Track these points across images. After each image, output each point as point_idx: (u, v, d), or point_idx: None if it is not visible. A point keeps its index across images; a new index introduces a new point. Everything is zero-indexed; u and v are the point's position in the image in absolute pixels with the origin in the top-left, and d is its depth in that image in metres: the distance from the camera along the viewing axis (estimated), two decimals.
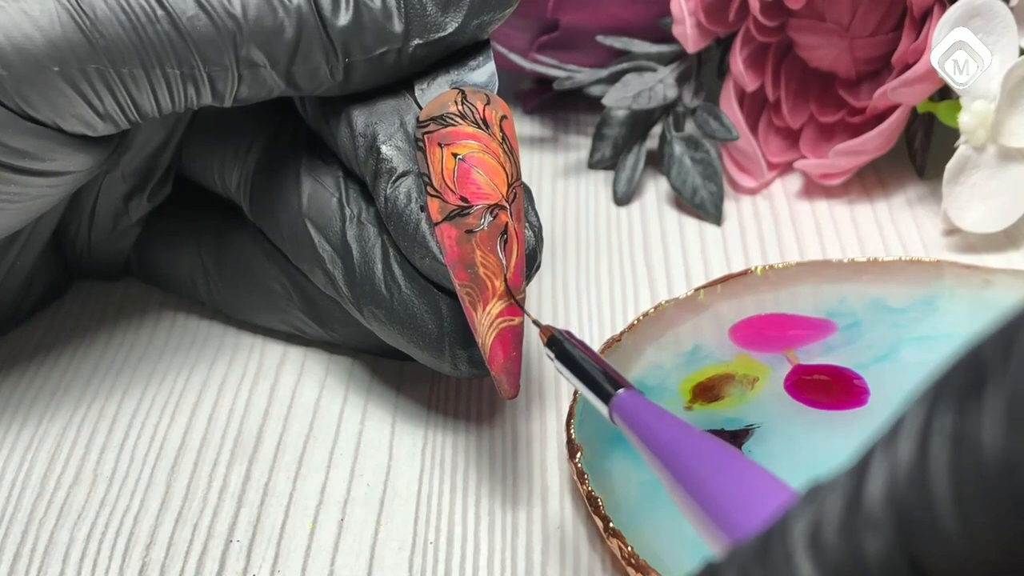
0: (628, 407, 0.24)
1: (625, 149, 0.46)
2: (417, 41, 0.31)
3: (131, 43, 0.29)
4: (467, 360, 0.31)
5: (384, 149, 0.31)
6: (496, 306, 0.29)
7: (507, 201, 0.30)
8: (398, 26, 0.31)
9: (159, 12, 0.29)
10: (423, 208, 0.30)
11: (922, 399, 0.15)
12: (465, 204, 0.29)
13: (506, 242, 0.29)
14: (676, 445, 0.22)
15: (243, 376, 0.36)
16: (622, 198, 0.44)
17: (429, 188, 0.30)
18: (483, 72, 0.33)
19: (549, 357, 0.28)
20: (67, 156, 0.30)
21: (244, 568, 0.30)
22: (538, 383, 0.35)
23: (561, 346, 0.27)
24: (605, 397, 0.25)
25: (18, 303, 0.37)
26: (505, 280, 0.29)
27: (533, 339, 0.37)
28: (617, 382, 0.25)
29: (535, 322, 0.29)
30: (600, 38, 0.46)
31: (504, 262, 0.29)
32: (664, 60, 0.46)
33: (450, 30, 0.31)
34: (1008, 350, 0.14)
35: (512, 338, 0.29)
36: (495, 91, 0.32)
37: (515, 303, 0.29)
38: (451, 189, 0.30)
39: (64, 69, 0.29)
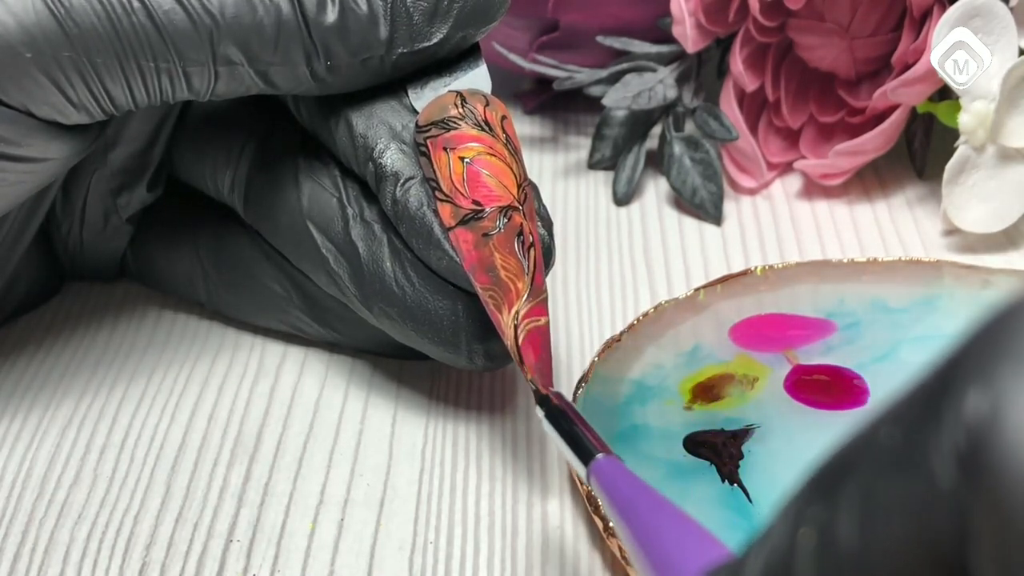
0: (605, 471, 0.25)
1: (625, 149, 0.46)
2: (401, 49, 0.31)
3: (106, 34, 0.29)
4: (483, 354, 0.31)
5: (388, 153, 0.31)
6: (522, 308, 0.29)
7: (519, 202, 0.30)
8: (383, 33, 0.31)
9: (135, 4, 0.29)
10: (435, 212, 0.30)
11: (803, 487, 0.15)
12: (478, 208, 0.29)
13: (523, 243, 0.29)
14: (640, 510, 0.22)
15: (243, 376, 0.36)
16: (622, 198, 0.44)
17: (438, 193, 0.30)
18: (476, 74, 0.33)
19: (539, 416, 0.28)
20: (43, 143, 0.30)
21: (244, 568, 0.30)
22: None
23: (550, 405, 0.27)
24: (586, 459, 0.26)
25: None
26: (532, 281, 0.29)
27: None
28: (597, 447, 0.26)
29: (530, 381, 0.28)
30: (600, 38, 0.46)
31: (524, 263, 0.29)
32: (664, 60, 0.46)
33: (435, 40, 0.31)
34: (868, 447, 0.14)
35: (541, 338, 0.29)
36: (489, 92, 0.32)
37: (539, 304, 0.29)
38: (462, 193, 0.30)
39: (37, 56, 0.29)
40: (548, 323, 0.29)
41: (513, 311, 0.29)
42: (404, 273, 0.31)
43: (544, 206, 0.33)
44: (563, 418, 0.27)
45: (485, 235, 0.29)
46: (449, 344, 0.31)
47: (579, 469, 0.26)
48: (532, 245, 0.30)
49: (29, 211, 0.35)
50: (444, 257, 0.30)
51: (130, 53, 0.29)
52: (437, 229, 0.30)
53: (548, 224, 0.32)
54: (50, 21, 0.28)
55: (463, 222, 0.29)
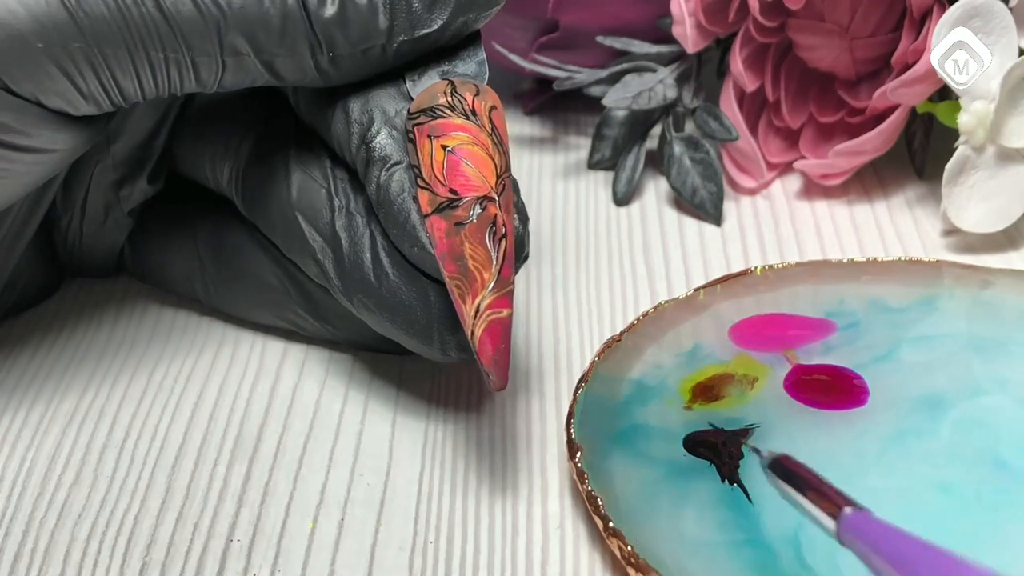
0: (858, 525, 0.25)
1: (625, 149, 0.46)
2: (402, 37, 0.31)
3: (115, 24, 0.29)
4: (456, 345, 0.31)
5: (379, 137, 0.31)
6: (485, 298, 0.29)
7: (496, 193, 0.30)
8: (383, 22, 0.31)
9: None
10: (415, 199, 0.30)
11: None
12: (454, 196, 0.29)
13: (495, 234, 0.29)
14: (908, 559, 0.22)
15: (244, 375, 0.36)
16: (622, 198, 0.44)
17: (419, 180, 0.30)
18: (473, 63, 0.33)
19: (772, 481, 0.29)
20: (51, 133, 0.30)
21: (244, 568, 0.30)
22: (538, 382, 0.35)
23: (784, 468, 0.28)
24: (833, 514, 0.26)
25: None
26: (499, 272, 0.29)
27: (532, 334, 0.37)
28: (839, 501, 0.26)
29: (761, 453, 0.30)
30: (600, 39, 0.46)
31: (494, 254, 0.29)
32: (664, 60, 0.46)
33: (435, 27, 0.31)
34: None
35: (500, 330, 0.29)
36: (485, 82, 0.32)
37: (503, 296, 0.29)
38: (440, 181, 0.30)
39: (48, 47, 0.29)
40: (511, 316, 0.29)
41: (476, 301, 0.29)
42: (381, 265, 0.32)
43: (522, 200, 0.33)
44: (797, 478, 0.27)
45: (458, 224, 0.29)
46: (423, 335, 0.31)
47: (828, 524, 0.26)
48: (504, 236, 0.29)
49: (32, 204, 0.35)
50: (416, 245, 0.30)
51: (139, 43, 0.29)
52: (414, 216, 0.30)
53: (524, 218, 0.32)
54: (61, 11, 0.29)
55: (438, 210, 0.29)
